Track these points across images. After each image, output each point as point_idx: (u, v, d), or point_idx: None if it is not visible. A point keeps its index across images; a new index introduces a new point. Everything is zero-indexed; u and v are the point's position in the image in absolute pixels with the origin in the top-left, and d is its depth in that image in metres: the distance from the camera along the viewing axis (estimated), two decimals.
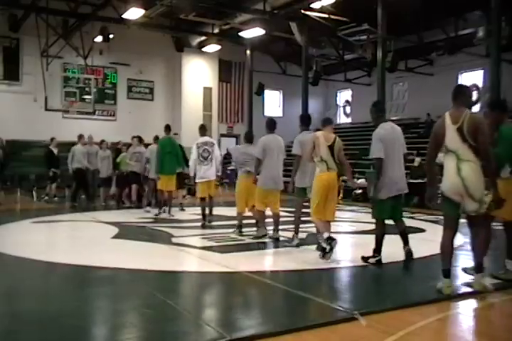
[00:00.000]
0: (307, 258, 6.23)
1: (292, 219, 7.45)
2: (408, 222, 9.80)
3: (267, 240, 7.64)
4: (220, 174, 9.65)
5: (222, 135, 22.84)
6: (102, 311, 4.43)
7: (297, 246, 6.95)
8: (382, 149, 5.61)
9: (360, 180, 14.27)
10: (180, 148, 10.89)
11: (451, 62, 18.80)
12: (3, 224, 9.34)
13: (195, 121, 18.93)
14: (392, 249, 6.18)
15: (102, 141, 13.17)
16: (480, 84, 19.34)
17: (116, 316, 4.21)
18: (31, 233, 8.62)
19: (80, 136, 13.07)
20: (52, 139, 13.60)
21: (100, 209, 12.19)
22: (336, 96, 26.69)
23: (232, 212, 8.41)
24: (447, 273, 4.65)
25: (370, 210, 6.35)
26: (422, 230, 8.86)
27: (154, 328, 3.77)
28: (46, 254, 6.46)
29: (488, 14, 14.48)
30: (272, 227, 7.72)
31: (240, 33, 17.80)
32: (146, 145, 12.05)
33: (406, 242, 6.04)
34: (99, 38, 17.35)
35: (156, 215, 10.54)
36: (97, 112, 19.72)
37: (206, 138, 9.25)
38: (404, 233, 6.05)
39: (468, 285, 4.87)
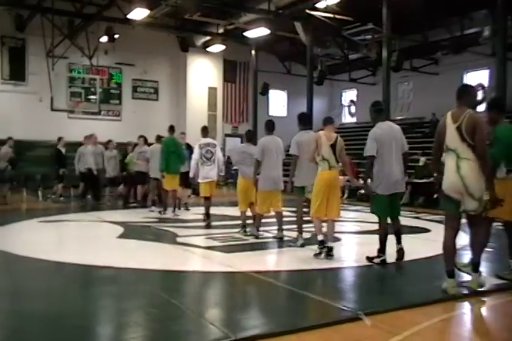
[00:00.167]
0: (311, 258, 6.22)
1: (295, 219, 7.46)
2: (413, 222, 9.89)
3: (271, 240, 7.64)
4: (222, 174, 9.71)
5: (227, 135, 22.85)
6: (106, 310, 4.45)
7: (302, 246, 6.95)
8: (375, 148, 5.67)
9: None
10: (188, 147, 10.94)
11: (457, 61, 18.71)
12: (9, 223, 9.40)
13: (199, 121, 18.98)
14: (396, 249, 6.17)
15: (109, 141, 13.20)
16: (486, 84, 19.26)
17: (121, 315, 4.23)
18: (37, 232, 8.66)
19: (89, 136, 13.13)
20: (59, 139, 13.59)
21: (106, 208, 12.23)
22: (341, 95, 26.64)
23: (237, 212, 8.42)
24: (451, 274, 4.64)
25: None
26: (427, 230, 8.85)
27: (159, 327, 3.78)
28: (51, 253, 6.48)
29: (493, 13, 14.45)
30: (276, 227, 7.74)
31: (245, 33, 17.79)
32: (149, 145, 12.09)
33: (399, 241, 6.07)
34: (104, 38, 17.41)
35: (160, 213, 10.60)
36: (102, 112, 19.77)
37: (208, 140, 9.32)
38: (398, 232, 6.08)
39: (465, 284, 4.85)
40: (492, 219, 5.02)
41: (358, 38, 17.94)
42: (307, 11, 16.55)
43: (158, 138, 11.54)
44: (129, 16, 16.00)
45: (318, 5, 15.70)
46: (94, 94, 19.46)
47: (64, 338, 3.61)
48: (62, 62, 18.13)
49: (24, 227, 9.23)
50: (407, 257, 6.03)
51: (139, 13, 15.60)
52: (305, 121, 7.41)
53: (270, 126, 7.78)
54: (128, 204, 12.53)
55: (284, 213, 7.84)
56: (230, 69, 22.96)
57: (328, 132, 6.34)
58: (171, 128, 10.81)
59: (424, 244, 7.50)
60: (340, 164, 6.33)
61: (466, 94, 4.72)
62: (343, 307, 4.20)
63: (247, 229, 8.00)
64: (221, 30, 19.49)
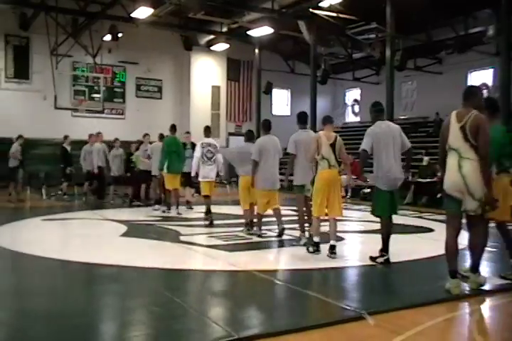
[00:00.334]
0: (315, 257, 6.23)
1: (297, 218, 7.47)
2: (417, 222, 9.88)
3: (274, 239, 7.65)
4: (222, 174, 9.83)
5: (231, 134, 22.84)
6: (109, 308, 4.46)
7: (305, 245, 6.95)
8: (370, 143, 5.81)
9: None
10: (193, 146, 10.99)
11: (461, 60, 18.65)
12: (14, 221, 9.45)
13: (203, 120, 19.01)
14: (400, 249, 6.18)
15: (116, 140, 13.20)
16: (490, 83, 19.20)
17: (124, 314, 4.23)
18: (41, 230, 8.70)
19: (97, 134, 13.15)
20: (65, 137, 13.61)
21: (109, 207, 12.26)
22: (345, 95, 26.59)
23: (240, 210, 8.43)
24: (454, 274, 4.64)
25: None
26: (430, 230, 8.84)
27: (162, 326, 3.79)
28: (55, 252, 6.51)
29: (498, 12, 14.40)
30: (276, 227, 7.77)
31: (249, 32, 17.79)
32: (151, 143, 12.10)
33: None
34: (108, 37, 17.43)
35: (164, 212, 10.63)
36: (105, 111, 19.77)
37: (210, 140, 9.42)
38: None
39: (465, 285, 4.84)
40: (488, 219, 5.02)
41: (361, 37, 17.88)
42: (311, 9, 16.51)
43: (161, 136, 11.55)
44: (132, 15, 16.01)
45: (322, 4, 15.67)
46: (97, 92, 19.46)
47: (67, 336, 3.62)
48: (66, 61, 18.14)
49: (28, 225, 9.26)
50: (410, 257, 6.03)
51: (142, 12, 15.60)
52: (304, 120, 7.49)
53: (267, 125, 7.94)
54: (134, 203, 12.50)
55: (286, 212, 7.86)
56: (234, 68, 22.95)
57: (328, 132, 6.49)
58: (173, 128, 10.80)
59: (427, 243, 7.50)
60: (341, 166, 6.48)
61: (474, 96, 4.74)
62: (347, 307, 4.20)
63: (251, 228, 8.01)
64: (225, 29, 19.49)
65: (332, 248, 6.21)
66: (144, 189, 12.45)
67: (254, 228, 7.99)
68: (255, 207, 7.98)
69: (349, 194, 14.83)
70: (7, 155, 12.85)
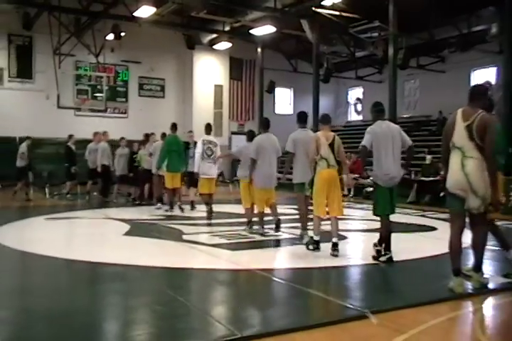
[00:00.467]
0: (317, 256, 6.24)
1: (298, 216, 7.48)
2: (420, 220, 9.87)
3: (276, 238, 7.65)
4: (221, 170, 9.88)
5: (233, 133, 22.83)
6: (112, 307, 4.46)
7: (307, 243, 6.95)
8: (369, 141, 5.87)
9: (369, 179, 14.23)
10: (196, 145, 10.98)
11: (464, 59, 18.59)
12: (17, 220, 9.47)
13: (206, 119, 18.94)
14: (403, 247, 6.17)
15: (122, 139, 13.17)
16: (493, 82, 19.13)
17: (127, 312, 4.24)
18: (44, 229, 8.71)
19: (102, 133, 13.16)
20: (70, 136, 13.62)
21: (112, 206, 12.27)
22: (347, 93, 26.55)
23: (242, 209, 8.44)
24: (457, 272, 4.63)
25: None
26: (433, 228, 8.83)
27: (165, 325, 3.80)
28: (58, 251, 6.52)
29: (501, 10, 14.33)
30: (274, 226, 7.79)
31: (251, 31, 17.78)
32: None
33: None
34: (110, 36, 17.42)
35: (167, 211, 10.63)
36: (108, 110, 19.78)
37: (211, 138, 9.48)
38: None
39: (468, 284, 4.83)
40: (491, 220, 5.00)
41: (364, 36, 17.85)
42: (313, 8, 16.50)
43: (164, 135, 11.54)
44: (135, 14, 16.02)
45: (325, 2, 15.67)
46: (100, 91, 19.49)
47: (71, 335, 3.62)
48: (68, 60, 18.16)
49: (31, 224, 9.29)
50: (413, 255, 6.02)
51: (145, 11, 15.63)
52: (304, 119, 7.52)
53: (265, 124, 8.01)
54: (139, 203, 12.47)
55: (288, 211, 7.86)
56: (236, 67, 22.94)
57: (326, 132, 6.58)
58: (174, 126, 10.79)
59: (430, 242, 7.49)
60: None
61: (482, 96, 4.73)
62: (350, 306, 4.20)
63: (254, 227, 8.02)
64: (227, 28, 19.48)
65: (334, 245, 6.23)
66: (148, 188, 12.44)
67: (256, 226, 8.01)
68: (256, 206, 8.00)
69: (352, 193, 14.81)
70: (10, 154, 12.87)
